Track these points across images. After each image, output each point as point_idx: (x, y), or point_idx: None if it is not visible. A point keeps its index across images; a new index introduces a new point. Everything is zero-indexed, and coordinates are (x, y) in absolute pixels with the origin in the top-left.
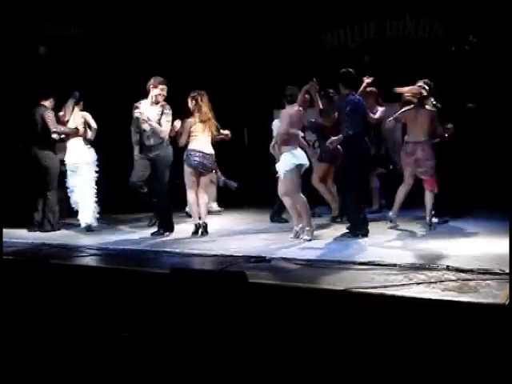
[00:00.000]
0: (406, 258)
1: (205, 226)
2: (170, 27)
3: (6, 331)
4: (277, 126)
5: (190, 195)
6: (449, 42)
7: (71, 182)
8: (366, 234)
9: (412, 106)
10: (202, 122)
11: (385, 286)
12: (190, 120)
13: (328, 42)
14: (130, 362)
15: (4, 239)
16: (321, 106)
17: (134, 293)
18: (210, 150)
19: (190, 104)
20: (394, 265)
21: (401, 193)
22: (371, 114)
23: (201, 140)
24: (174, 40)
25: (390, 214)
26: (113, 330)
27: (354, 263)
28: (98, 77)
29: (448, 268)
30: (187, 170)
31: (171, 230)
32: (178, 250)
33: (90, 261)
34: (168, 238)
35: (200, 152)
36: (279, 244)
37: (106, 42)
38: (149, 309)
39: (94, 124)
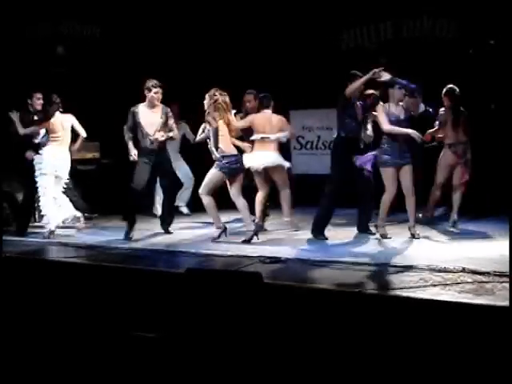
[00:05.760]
0: (421, 260)
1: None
2: (188, 27)
3: (19, 332)
4: None
5: (207, 200)
6: (466, 43)
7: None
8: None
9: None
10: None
11: (400, 288)
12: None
13: (344, 42)
14: (143, 362)
15: (13, 238)
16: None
17: (149, 292)
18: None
19: (211, 103)
20: (410, 266)
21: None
22: None
23: (229, 141)
24: (192, 40)
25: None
26: (129, 330)
27: (370, 265)
28: (113, 76)
29: (464, 270)
30: (219, 175)
31: None
32: (193, 251)
33: (105, 260)
34: (184, 239)
35: (232, 156)
36: (295, 245)
37: (122, 41)
38: (164, 309)
39: None
